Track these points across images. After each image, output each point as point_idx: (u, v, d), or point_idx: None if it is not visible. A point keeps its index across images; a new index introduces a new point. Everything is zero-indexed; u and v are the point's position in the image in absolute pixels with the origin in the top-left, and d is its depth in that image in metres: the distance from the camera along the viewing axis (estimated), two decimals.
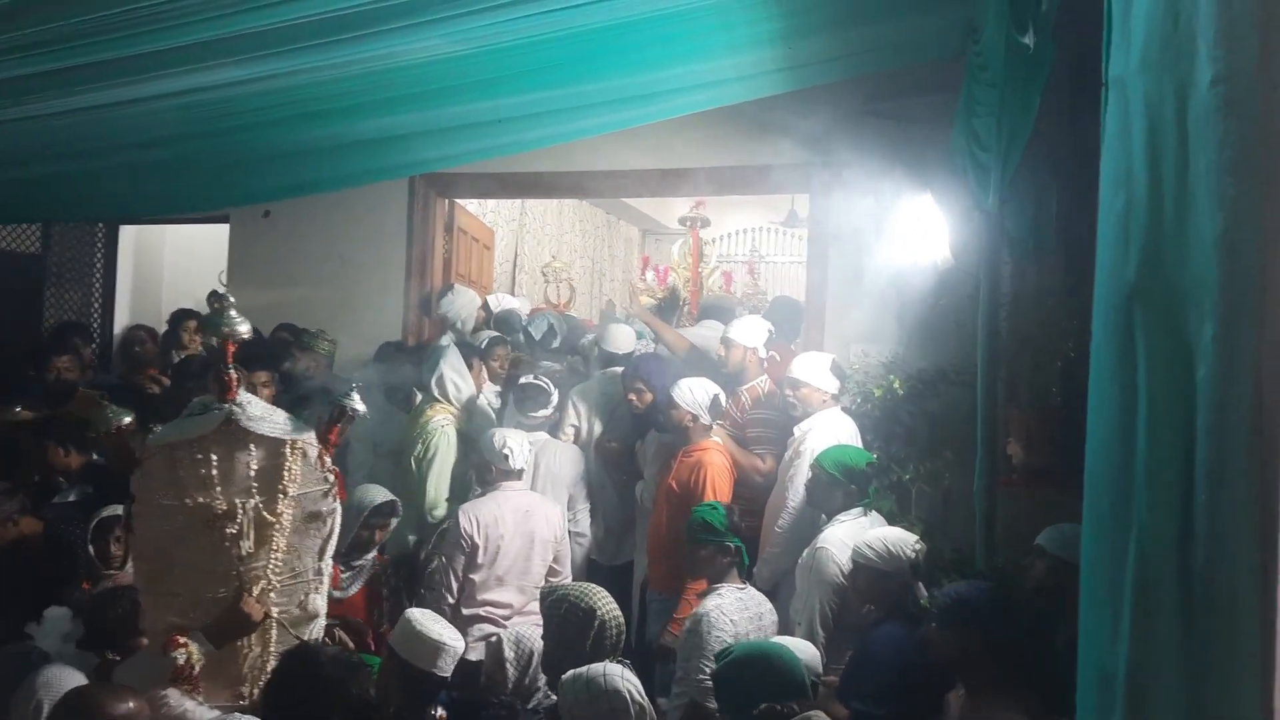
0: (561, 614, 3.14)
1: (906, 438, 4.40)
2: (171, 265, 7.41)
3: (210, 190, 5.39)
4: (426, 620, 3.12)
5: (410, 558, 4.59)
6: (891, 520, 3.93)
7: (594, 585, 3.36)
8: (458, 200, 6.31)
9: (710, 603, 3.50)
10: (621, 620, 3.21)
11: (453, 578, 4.13)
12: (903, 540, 3.39)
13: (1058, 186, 3.87)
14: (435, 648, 3.01)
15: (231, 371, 2.70)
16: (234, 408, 2.67)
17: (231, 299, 2.77)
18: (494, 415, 5.00)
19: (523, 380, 4.84)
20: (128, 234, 6.91)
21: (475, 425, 4.86)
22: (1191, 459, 0.82)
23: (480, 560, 4.11)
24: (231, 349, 2.72)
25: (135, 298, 6.97)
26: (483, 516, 4.14)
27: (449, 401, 4.83)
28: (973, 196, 3.81)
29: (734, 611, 3.49)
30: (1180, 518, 0.82)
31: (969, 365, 4.28)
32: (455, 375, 4.85)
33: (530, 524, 4.18)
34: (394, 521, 4.32)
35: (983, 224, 3.91)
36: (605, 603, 3.17)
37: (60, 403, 4.99)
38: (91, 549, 3.88)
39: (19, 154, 4.50)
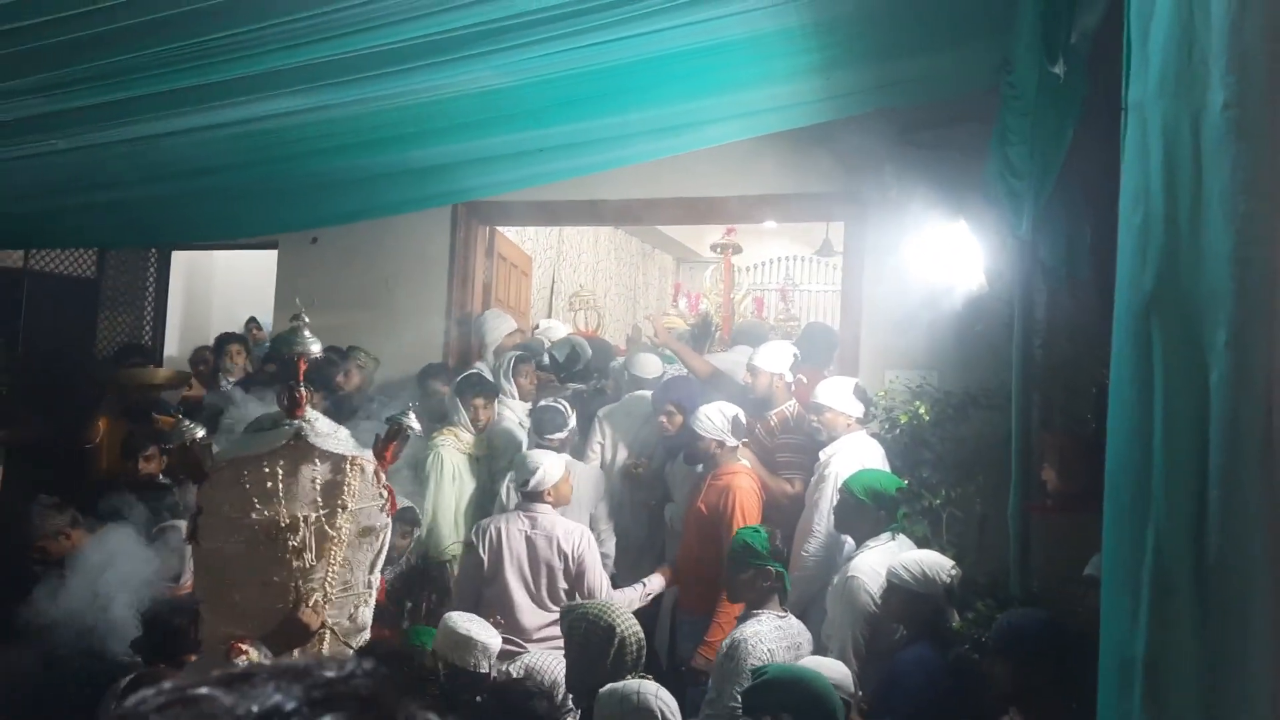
0: (581, 632, 3.17)
1: (935, 463, 4.42)
2: (221, 290, 7.60)
3: (261, 217, 5.55)
4: (461, 620, 3.23)
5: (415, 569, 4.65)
6: (922, 546, 3.95)
7: (613, 602, 3.40)
8: (498, 227, 6.43)
9: (749, 629, 3.49)
10: (642, 636, 3.23)
11: (466, 593, 4.20)
12: (939, 564, 3.40)
13: (1092, 214, 3.91)
14: (469, 644, 3.12)
15: (302, 389, 2.78)
16: (303, 424, 2.75)
17: (306, 318, 2.85)
18: (521, 436, 5.06)
19: (541, 403, 4.91)
20: (179, 259, 7.11)
21: (495, 448, 4.95)
22: (1205, 457, 0.87)
23: (485, 575, 4.16)
24: (303, 366, 2.81)
25: (185, 321, 7.17)
26: (490, 533, 4.20)
27: (455, 424, 4.91)
28: (1006, 224, 3.85)
29: (771, 640, 3.46)
30: (1195, 512, 0.87)
31: (1000, 390, 4.30)
32: (453, 403, 4.97)
33: (541, 545, 4.17)
34: (415, 530, 4.39)
35: (1016, 251, 3.95)
36: (624, 619, 3.20)
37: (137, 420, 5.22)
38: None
39: (80, 181, 4.67)
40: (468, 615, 3.39)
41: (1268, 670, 0.80)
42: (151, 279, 6.95)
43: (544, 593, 4.17)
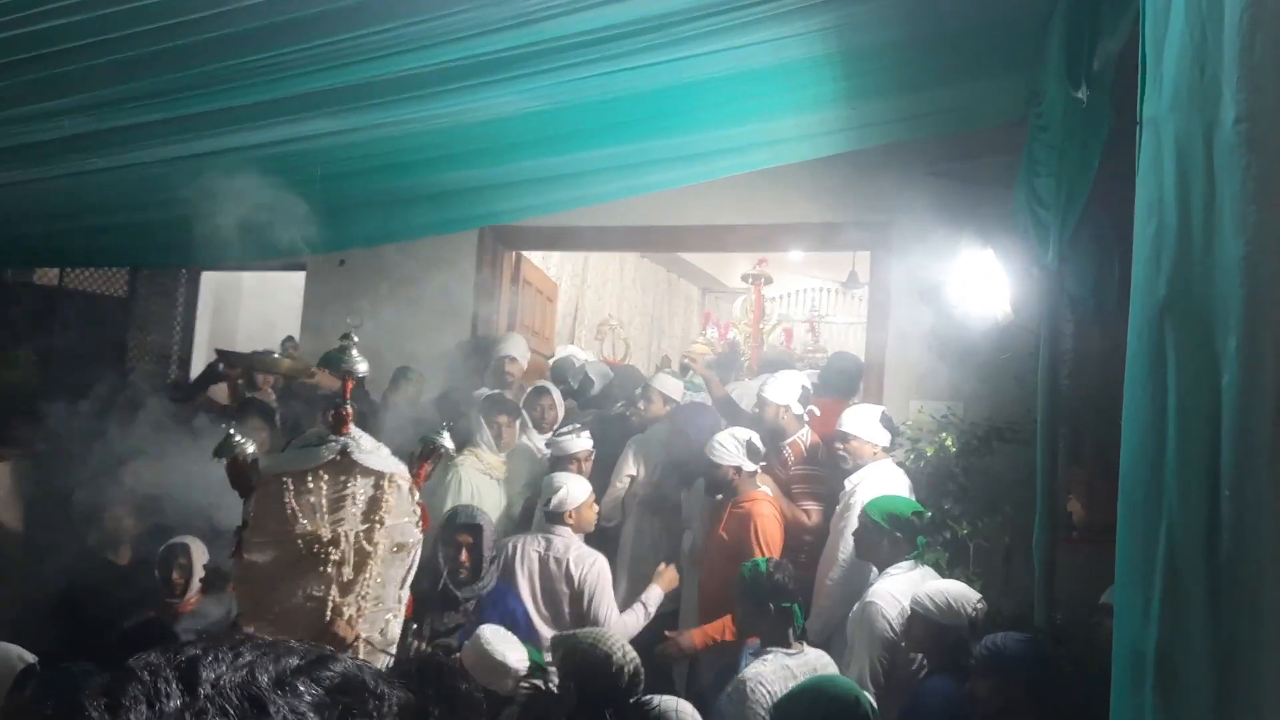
0: (576, 662, 3.12)
1: (960, 494, 4.41)
2: (249, 310, 7.71)
3: (290, 237, 5.63)
4: (496, 640, 3.20)
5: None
6: (943, 574, 3.93)
7: (608, 631, 3.36)
8: (524, 253, 6.50)
9: (752, 670, 3.43)
10: (639, 663, 3.20)
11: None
12: (964, 596, 3.37)
13: (1119, 245, 3.92)
14: (503, 670, 3.11)
15: (349, 407, 2.83)
16: (349, 440, 2.80)
17: (356, 338, 2.90)
18: (540, 462, 5.08)
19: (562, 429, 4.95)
20: (208, 279, 7.22)
21: (513, 471, 4.99)
22: (1217, 456, 0.88)
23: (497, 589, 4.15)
24: (350, 385, 2.85)
25: (213, 340, 7.26)
26: (506, 550, 4.22)
27: (478, 444, 4.94)
28: (1033, 254, 3.87)
29: (775, 680, 3.37)
30: (1207, 510, 0.88)
31: (1026, 421, 4.29)
32: (477, 422, 4.99)
33: (551, 568, 4.17)
34: None
35: (1043, 281, 3.96)
36: (620, 648, 3.13)
37: None
38: (158, 574, 4.05)
39: (116, 201, 4.78)
40: (501, 633, 3.33)
41: (1278, 665, 0.81)
42: (181, 299, 7.07)
43: (550, 613, 4.17)
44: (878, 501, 3.97)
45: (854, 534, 4.04)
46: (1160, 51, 1.05)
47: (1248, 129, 0.88)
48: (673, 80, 3.40)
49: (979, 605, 3.34)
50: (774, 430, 4.76)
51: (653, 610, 4.24)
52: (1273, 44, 0.87)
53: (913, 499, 4.22)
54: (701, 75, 3.37)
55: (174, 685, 0.62)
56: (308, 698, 0.63)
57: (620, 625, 4.06)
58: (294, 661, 0.65)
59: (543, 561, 4.19)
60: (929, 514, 4.05)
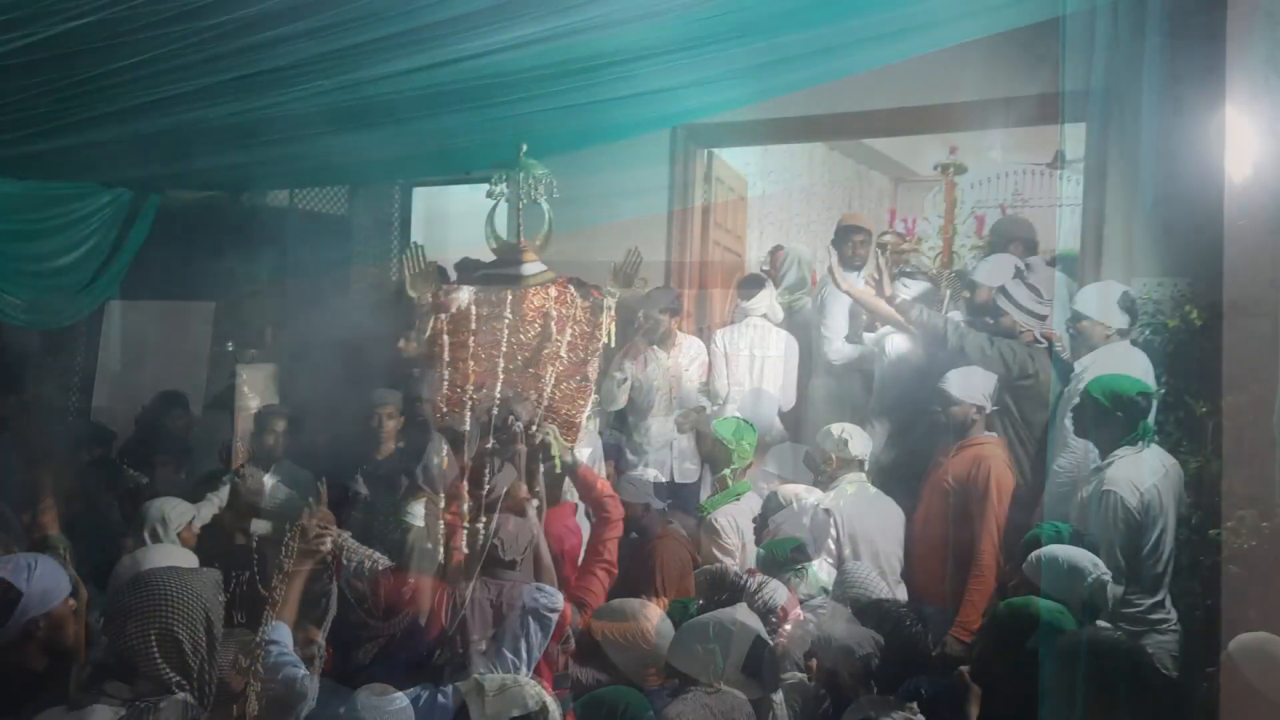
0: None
1: (1200, 372, 4.15)
2: (457, 223, 7.94)
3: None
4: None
5: None
6: (1178, 457, 3.74)
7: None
8: (714, 150, 6.47)
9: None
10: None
11: None
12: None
13: None
14: None
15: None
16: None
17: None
18: None
19: None
20: (420, 195, 7.51)
21: None
22: None
23: None
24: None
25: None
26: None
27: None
28: (1275, 108, 3.54)
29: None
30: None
31: (1266, 293, 3.98)
32: None
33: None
34: None
35: None
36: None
37: None
38: None
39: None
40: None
41: None
42: (396, 215, 7.37)
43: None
44: (1100, 380, 3.84)
45: (1073, 409, 3.88)
46: None
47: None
48: None
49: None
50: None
51: None
52: None
53: (1152, 381, 4.03)
54: None
55: None
56: None
57: None
58: None
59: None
60: (1158, 393, 3.84)
